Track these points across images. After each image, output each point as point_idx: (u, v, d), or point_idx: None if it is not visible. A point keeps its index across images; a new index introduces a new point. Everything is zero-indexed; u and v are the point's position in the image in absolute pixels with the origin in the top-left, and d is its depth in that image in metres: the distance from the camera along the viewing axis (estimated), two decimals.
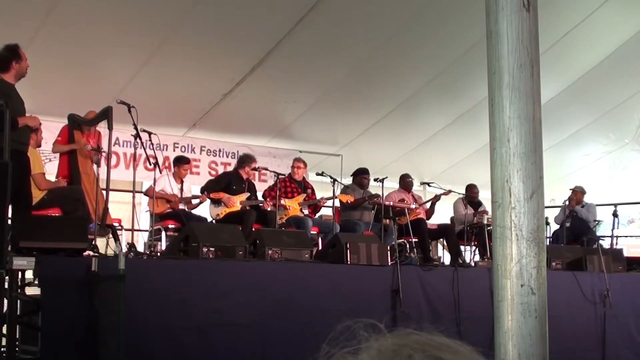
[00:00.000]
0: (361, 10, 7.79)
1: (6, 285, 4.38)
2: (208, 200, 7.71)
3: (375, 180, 8.35)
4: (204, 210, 7.83)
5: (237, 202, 7.63)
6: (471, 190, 9.50)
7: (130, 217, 7.07)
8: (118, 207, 8.74)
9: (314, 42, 8.08)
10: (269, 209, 7.72)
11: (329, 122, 10.19)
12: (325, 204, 8.51)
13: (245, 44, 7.97)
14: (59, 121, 7.24)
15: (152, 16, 7.26)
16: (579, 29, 8.70)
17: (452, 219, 9.67)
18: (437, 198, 9.01)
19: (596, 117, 11.10)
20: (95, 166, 6.42)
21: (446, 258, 9.32)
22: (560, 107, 9.99)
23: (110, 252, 5.69)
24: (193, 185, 8.53)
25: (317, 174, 8.37)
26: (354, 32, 8.13)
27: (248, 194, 7.79)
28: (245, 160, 8.06)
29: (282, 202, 7.64)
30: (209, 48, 7.94)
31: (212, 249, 5.43)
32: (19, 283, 4.79)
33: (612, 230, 9.64)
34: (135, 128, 6.01)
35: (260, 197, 8.08)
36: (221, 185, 7.76)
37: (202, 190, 7.82)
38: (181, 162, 7.91)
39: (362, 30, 8.11)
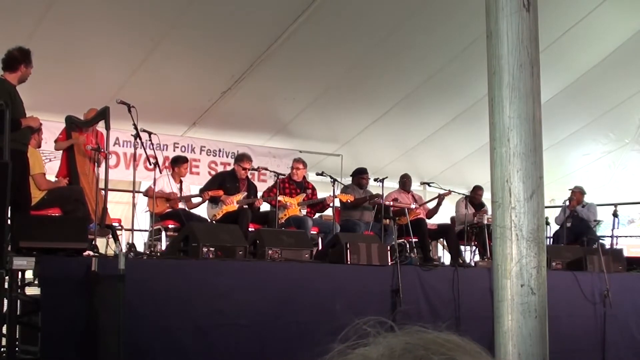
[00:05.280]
0: (360, 8, 7.79)
1: (6, 285, 4.38)
2: (206, 202, 7.71)
3: (375, 180, 8.35)
4: (204, 211, 7.82)
5: (234, 201, 7.62)
6: (475, 191, 9.50)
7: (130, 217, 7.07)
8: (118, 207, 8.75)
9: (313, 40, 8.08)
10: (260, 205, 7.75)
11: (328, 119, 10.18)
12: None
13: (244, 41, 7.96)
14: (57, 120, 7.23)
15: (150, 14, 7.26)
16: (578, 28, 8.69)
17: (452, 218, 9.66)
18: (441, 198, 8.97)
19: (596, 117, 11.09)
20: (95, 166, 6.42)
21: (446, 258, 9.31)
22: (560, 107, 9.98)
23: (110, 252, 5.69)
24: (193, 185, 8.52)
25: (317, 174, 8.36)
26: (352, 29, 8.12)
27: (245, 193, 7.78)
28: (241, 158, 8.04)
29: (280, 198, 7.63)
30: (207, 45, 7.94)
31: (212, 249, 5.42)
32: (19, 283, 4.78)
33: (612, 230, 9.64)
34: (135, 128, 6.01)
35: (259, 198, 8.06)
36: (215, 184, 7.77)
37: (201, 191, 7.81)
38: (179, 162, 7.88)
39: (360, 27, 8.10)
